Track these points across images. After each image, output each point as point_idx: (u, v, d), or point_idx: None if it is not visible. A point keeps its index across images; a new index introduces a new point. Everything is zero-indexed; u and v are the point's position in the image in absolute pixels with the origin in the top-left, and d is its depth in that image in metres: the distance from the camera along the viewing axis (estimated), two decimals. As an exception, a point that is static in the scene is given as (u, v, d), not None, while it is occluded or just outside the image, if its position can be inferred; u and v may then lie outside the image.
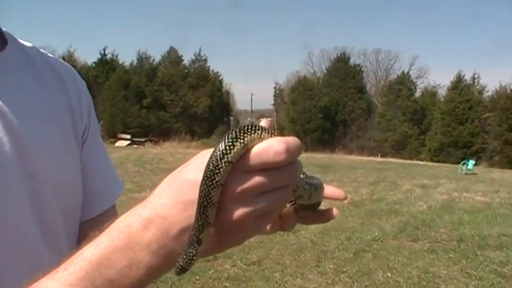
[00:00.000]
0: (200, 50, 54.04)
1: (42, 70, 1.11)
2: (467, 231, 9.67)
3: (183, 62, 53.77)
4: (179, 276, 0.74)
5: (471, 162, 25.90)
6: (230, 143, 0.66)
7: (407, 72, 56.35)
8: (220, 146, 0.66)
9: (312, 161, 27.36)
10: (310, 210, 0.89)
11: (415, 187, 15.97)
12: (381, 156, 44.03)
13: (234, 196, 0.68)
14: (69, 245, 1.04)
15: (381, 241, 8.80)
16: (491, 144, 44.92)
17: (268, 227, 0.89)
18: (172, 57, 53.09)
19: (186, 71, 52.93)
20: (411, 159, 42.87)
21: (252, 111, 73.66)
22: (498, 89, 48.40)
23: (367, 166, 26.37)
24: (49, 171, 1.02)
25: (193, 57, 53.91)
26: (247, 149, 0.67)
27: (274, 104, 62.42)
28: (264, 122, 0.72)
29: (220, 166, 0.66)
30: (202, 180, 0.66)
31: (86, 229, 1.08)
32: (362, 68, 57.92)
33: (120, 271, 0.70)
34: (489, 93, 49.29)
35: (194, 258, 0.70)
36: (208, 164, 0.66)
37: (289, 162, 0.70)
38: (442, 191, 15.28)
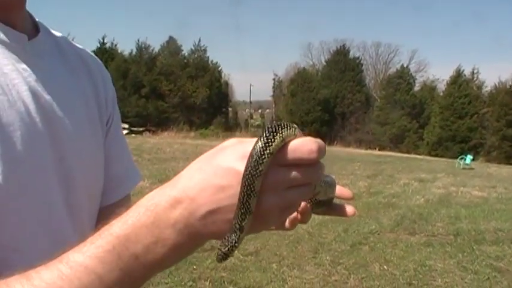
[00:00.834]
0: (200, 41, 54.04)
1: (72, 59, 1.14)
2: (463, 225, 9.72)
3: (182, 52, 53.72)
4: (220, 263, 0.77)
5: (469, 157, 26.00)
6: (271, 136, 0.70)
7: (407, 66, 56.47)
8: (263, 138, 0.70)
9: (309, 153, 27.39)
10: (325, 205, 0.95)
11: (412, 181, 16.03)
12: (379, 150, 44.12)
13: (267, 187, 0.71)
14: (92, 228, 1.07)
15: (378, 234, 8.83)
16: (489, 139, 45.01)
17: (287, 224, 0.94)
18: (172, 47, 53.01)
19: (185, 61, 52.89)
20: (409, 153, 42.97)
21: (250, 102, 73.69)
22: (497, 84, 48.52)
23: (365, 159, 26.44)
24: (78, 155, 1.05)
25: (193, 48, 53.87)
26: (284, 143, 0.71)
27: (273, 96, 62.64)
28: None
29: (263, 157, 0.69)
30: (246, 170, 0.69)
31: (102, 215, 1.13)
32: (361, 61, 57.97)
33: (146, 247, 0.72)
34: (488, 89, 49.46)
35: (236, 244, 0.72)
36: (251, 155, 0.69)
37: (317, 162, 0.73)
38: (440, 185, 15.33)
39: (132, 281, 0.74)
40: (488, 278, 6.73)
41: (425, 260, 7.35)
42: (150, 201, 0.74)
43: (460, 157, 26.85)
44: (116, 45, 51.70)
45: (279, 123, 0.73)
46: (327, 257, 7.28)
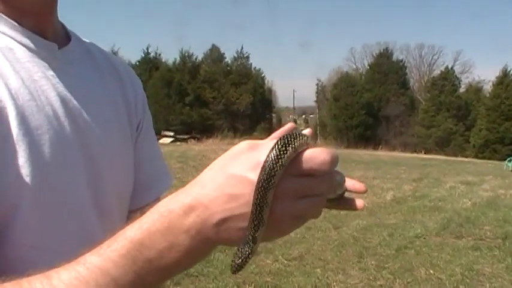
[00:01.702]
0: (242, 48, 54.34)
1: (102, 65, 1.19)
2: (512, 228, 9.50)
3: (225, 60, 54.08)
4: (235, 274, 0.76)
5: (517, 159, 25.39)
6: (284, 148, 0.71)
7: (451, 68, 55.51)
8: (275, 150, 0.71)
9: (353, 157, 27.19)
10: (336, 200, 0.94)
11: (459, 184, 15.73)
12: (425, 153, 43.45)
13: (279, 196, 0.72)
14: None
15: (424, 238, 8.70)
16: (538, 140, 43.86)
17: None
18: (215, 54, 53.43)
19: (228, 68, 53.19)
20: (455, 156, 42.19)
21: (294, 108, 73.63)
22: (546, 83, 47.24)
23: (410, 163, 26.09)
24: (106, 157, 1.09)
25: (235, 55, 54.18)
26: (296, 154, 0.72)
27: (316, 101, 62.36)
28: (307, 131, 0.79)
29: (276, 169, 0.70)
30: (259, 182, 0.70)
31: (133, 218, 1.15)
32: (405, 64, 57.31)
33: (159, 252, 0.74)
34: (536, 88, 48.13)
35: (250, 256, 0.74)
36: (264, 167, 0.70)
37: (330, 172, 0.75)
38: (487, 188, 15.01)
39: (146, 284, 0.76)
40: (538, 281, 6.58)
41: (472, 264, 7.21)
42: (165, 207, 0.76)
43: (508, 159, 26.26)
44: (159, 54, 52.49)
45: (291, 133, 0.74)
46: (372, 262, 7.22)
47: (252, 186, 0.71)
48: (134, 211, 1.21)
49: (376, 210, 11.05)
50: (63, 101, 1.02)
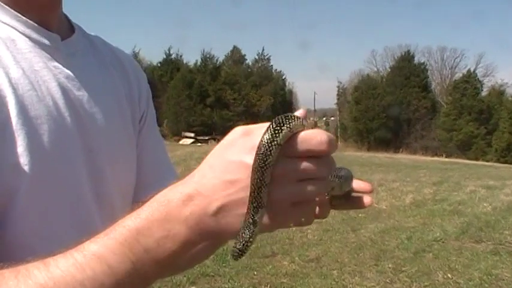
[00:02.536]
0: (263, 50, 54.36)
1: (106, 58, 1.21)
2: (533, 233, 9.39)
3: (246, 61, 54.19)
4: (237, 260, 0.75)
5: (540, 164, 25.07)
6: (278, 127, 0.71)
7: (474, 71, 54.87)
8: (270, 129, 0.71)
9: (374, 160, 27.12)
10: (343, 198, 0.93)
11: (480, 188, 15.54)
12: (446, 157, 43.10)
13: (276, 178, 0.72)
14: None
15: (442, 242, 8.63)
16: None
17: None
18: (236, 56, 53.58)
19: (249, 70, 53.30)
20: (477, 159, 41.77)
21: (314, 110, 73.50)
22: None
23: (431, 166, 25.88)
24: (107, 148, 1.10)
25: (256, 57, 54.26)
26: (292, 134, 0.72)
27: (337, 103, 62.16)
28: (300, 112, 0.77)
29: (271, 148, 0.70)
30: (255, 163, 0.70)
31: None
32: (427, 67, 56.83)
33: (156, 241, 0.75)
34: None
35: (251, 240, 0.73)
36: (259, 147, 0.70)
37: (327, 155, 0.75)
38: (508, 192, 14.81)
39: (143, 276, 0.76)
40: (559, 287, 6.50)
41: (491, 269, 7.13)
42: (164, 197, 0.77)
43: (531, 164, 25.94)
44: (181, 56, 52.73)
45: (286, 114, 0.73)
46: (389, 265, 7.18)
47: (249, 170, 0.71)
48: (137, 204, 1.22)
49: (395, 213, 10.99)
50: (64, 91, 1.03)
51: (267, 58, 54.43)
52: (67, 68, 1.06)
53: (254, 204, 0.71)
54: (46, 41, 1.04)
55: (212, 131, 46.96)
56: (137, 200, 1.22)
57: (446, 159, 38.43)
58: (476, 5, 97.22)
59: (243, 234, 0.73)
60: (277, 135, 0.71)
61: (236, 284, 6.06)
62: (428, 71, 57.21)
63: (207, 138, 44.00)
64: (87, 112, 1.07)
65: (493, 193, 14.65)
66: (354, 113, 52.23)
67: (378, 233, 8.90)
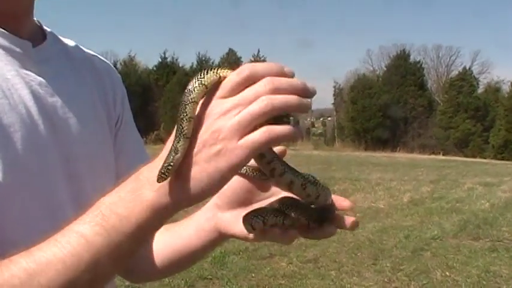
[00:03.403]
0: (259, 51, 54.38)
1: (80, 64, 1.20)
2: (531, 229, 9.40)
3: (242, 63, 54.16)
4: (159, 182, 0.76)
5: (537, 159, 25.12)
6: (205, 71, 0.79)
7: (469, 68, 54.90)
8: (198, 74, 0.79)
9: (371, 159, 27.13)
10: (319, 221, 0.91)
11: (477, 185, 15.59)
12: (443, 155, 43.13)
13: (203, 115, 0.77)
14: None
15: (440, 240, 8.65)
16: (558, 140, 43.34)
17: (284, 237, 0.90)
18: (231, 58, 53.53)
19: (245, 72, 53.30)
20: (474, 157, 41.80)
21: (311, 110, 73.46)
22: None
23: (428, 164, 25.95)
24: (85, 155, 1.10)
25: (252, 58, 54.18)
26: (219, 77, 0.79)
27: (333, 103, 62.19)
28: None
29: (194, 87, 0.78)
30: (182, 99, 0.78)
31: None
32: (422, 65, 56.90)
33: (126, 207, 0.78)
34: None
35: (172, 164, 0.76)
36: (186, 88, 0.78)
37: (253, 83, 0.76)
38: (506, 189, 14.86)
39: (118, 247, 0.78)
40: (557, 283, 6.50)
41: (489, 266, 7.16)
42: (133, 174, 0.82)
43: (528, 160, 25.99)
44: (177, 59, 52.59)
45: (216, 66, 0.83)
46: (387, 264, 7.19)
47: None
48: None
49: (393, 212, 11.01)
50: (37, 99, 1.02)
51: (263, 60, 54.41)
52: (39, 75, 1.05)
53: (177, 133, 0.77)
54: (17, 49, 1.03)
55: (209, 134, 46.84)
56: None
57: (444, 157, 38.49)
58: (472, 3, 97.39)
59: (166, 159, 0.76)
60: (202, 76, 0.78)
61: (234, 286, 6.05)
62: (424, 70, 57.30)
63: (204, 141, 43.86)
64: (61, 118, 1.07)
65: (490, 190, 14.70)
66: (351, 113, 52.19)
67: (376, 232, 8.92)
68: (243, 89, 0.75)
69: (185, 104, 0.77)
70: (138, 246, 0.83)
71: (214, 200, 1.10)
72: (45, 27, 1.18)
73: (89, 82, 1.20)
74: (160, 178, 0.75)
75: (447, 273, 6.85)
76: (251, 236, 0.96)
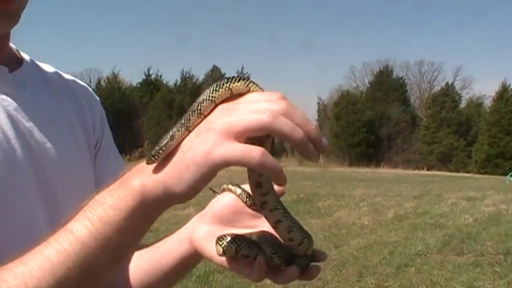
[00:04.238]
0: (243, 68, 54.46)
1: (58, 88, 1.20)
2: (514, 244, 9.44)
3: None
4: (148, 164, 0.77)
5: (519, 174, 25.34)
6: (237, 79, 0.78)
7: (452, 84, 55.64)
8: (227, 78, 0.78)
9: (356, 175, 27.19)
10: (295, 264, 0.87)
11: (461, 200, 15.69)
12: (427, 170, 43.43)
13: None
14: None
15: (425, 255, 8.67)
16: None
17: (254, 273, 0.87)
18: (216, 75, 53.61)
19: (230, 88, 53.43)
20: (458, 171, 42.18)
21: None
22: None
23: (412, 179, 26.07)
24: (62, 177, 1.10)
25: (236, 75, 54.34)
26: (249, 89, 0.78)
27: (317, 119, 62.42)
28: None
29: (220, 88, 0.77)
30: (201, 95, 0.78)
31: None
32: (405, 81, 57.47)
33: (113, 195, 0.77)
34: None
35: (163, 149, 0.76)
36: (213, 85, 0.77)
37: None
38: (489, 203, 14.97)
39: (106, 241, 0.76)
40: (540, 298, 6.54)
41: (473, 281, 7.18)
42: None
43: (510, 174, 26.23)
44: (160, 76, 52.71)
45: (233, 76, 0.79)
46: (372, 281, 7.19)
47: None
48: None
49: (377, 228, 11.02)
50: (14, 123, 1.02)
51: (247, 76, 54.52)
52: (16, 100, 1.05)
53: (180, 123, 0.79)
54: None
55: (193, 151, 46.86)
56: None
57: (428, 172, 38.75)
58: (454, 17, 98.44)
59: (159, 143, 0.77)
60: (233, 81, 0.77)
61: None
62: (407, 86, 57.87)
63: (188, 158, 43.87)
64: (38, 143, 1.06)
65: (474, 204, 14.79)
66: (335, 129, 52.45)
67: (361, 248, 8.91)
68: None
69: (203, 99, 0.77)
70: (131, 240, 0.80)
71: (201, 212, 1.10)
72: (23, 54, 1.18)
73: (67, 105, 1.20)
74: (149, 160, 0.76)
75: (432, 289, 6.86)
76: (218, 259, 0.93)
